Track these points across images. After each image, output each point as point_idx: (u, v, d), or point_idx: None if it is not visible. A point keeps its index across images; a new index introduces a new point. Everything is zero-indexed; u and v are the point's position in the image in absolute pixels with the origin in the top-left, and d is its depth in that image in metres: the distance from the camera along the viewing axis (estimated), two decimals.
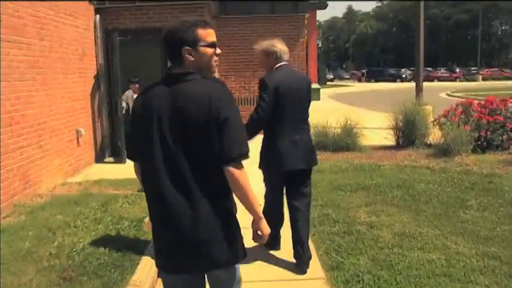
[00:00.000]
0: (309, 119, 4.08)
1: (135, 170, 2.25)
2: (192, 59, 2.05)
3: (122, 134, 8.73)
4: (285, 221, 4.20)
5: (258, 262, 4.06)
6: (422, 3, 11.77)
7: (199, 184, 2.00)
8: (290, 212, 4.02)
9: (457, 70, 56.37)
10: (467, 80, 50.31)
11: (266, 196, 4.15)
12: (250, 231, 2.26)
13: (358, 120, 9.39)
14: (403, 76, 52.29)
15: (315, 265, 3.99)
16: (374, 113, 15.30)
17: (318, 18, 24.46)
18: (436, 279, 3.63)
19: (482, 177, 6.70)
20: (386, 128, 9.74)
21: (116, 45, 8.55)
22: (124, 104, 8.99)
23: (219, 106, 1.96)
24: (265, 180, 4.11)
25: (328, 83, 42.66)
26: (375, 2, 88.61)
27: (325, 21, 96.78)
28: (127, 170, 7.58)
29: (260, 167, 3.99)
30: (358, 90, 36.19)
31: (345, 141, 9.03)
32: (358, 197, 5.93)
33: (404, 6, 66.48)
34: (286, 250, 4.17)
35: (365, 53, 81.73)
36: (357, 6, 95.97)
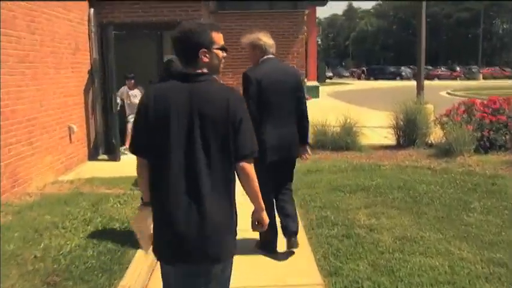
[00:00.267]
0: (307, 113, 4.12)
1: (139, 165, 2.25)
2: (207, 60, 2.20)
3: (117, 131, 8.55)
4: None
5: (253, 266, 3.88)
6: (424, 2, 11.59)
7: (209, 179, 2.12)
8: (276, 204, 4.10)
9: (458, 69, 56.22)
10: (468, 79, 50.18)
11: None
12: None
13: (358, 119, 9.22)
14: (403, 74, 52.16)
15: (312, 270, 3.84)
16: (374, 111, 15.13)
17: (317, 15, 24.30)
18: (440, 287, 3.46)
19: (485, 178, 6.53)
20: (387, 127, 9.55)
21: (111, 39, 8.34)
22: (119, 100, 8.80)
23: (236, 110, 2.15)
24: None
25: (327, 80, 42.45)
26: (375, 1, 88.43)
27: (325, 19, 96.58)
28: (121, 167, 7.46)
29: None
30: (358, 88, 36.01)
31: (345, 140, 8.85)
32: (358, 198, 5.75)
33: (405, 4, 66.23)
34: (281, 254, 4.03)
35: (365, 51, 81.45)
36: (357, 3, 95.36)
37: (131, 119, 8.67)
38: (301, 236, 4.48)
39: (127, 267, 3.83)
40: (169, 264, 2.24)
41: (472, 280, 3.56)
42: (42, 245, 4.24)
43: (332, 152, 8.66)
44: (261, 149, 3.72)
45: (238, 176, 2.24)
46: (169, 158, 2.11)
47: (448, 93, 28.12)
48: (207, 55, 2.19)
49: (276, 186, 4.08)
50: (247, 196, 2.30)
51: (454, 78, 50.96)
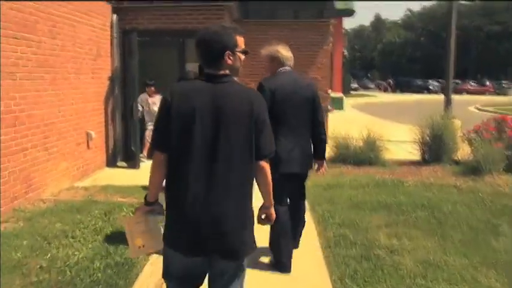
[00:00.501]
0: (324, 125, 4.05)
1: (156, 162, 2.27)
2: (230, 62, 2.28)
3: (137, 138, 8.46)
4: None
5: (266, 285, 3.69)
6: (454, 12, 11.25)
7: (230, 177, 2.19)
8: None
9: (487, 83, 54.93)
10: (498, 94, 48.97)
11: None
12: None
13: (382, 133, 8.92)
14: (431, 88, 51.21)
15: None
16: (399, 125, 14.77)
17: (344, 26, 24.05)
18: None
19: None
20: (412, 141, 9.23)
21: (135, 45, 8.27)
22: (140, 107, 8.72)
23: (259, 111, 2.25)
24: None
25: (351, 92, 41.99)
26: (403, 11, 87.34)
27: (351, 29, 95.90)
28: (138, 175, 7.36)
29: None
30: (383, 101, 35.42)
31: (367, 154, 8.57)
32: (379, 216, 5.49)
33: (435, 16, 65.20)
34: (296, 274, 3.81)
35: (391, 63, 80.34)
36: (384, 14, 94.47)
37: (150, 126, 8.58)
38: (318, 255, 4.29)
39: (133, 282, 3.68)
40: (181, 253, 2.27)
41: None
42: (49, 254, 4.13)
43: (354, 166, 8.38)
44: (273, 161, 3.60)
45: (256, 173, 2.33)
46: (191, 156, 2.17)
47: (477, 108, 27.43)
48: (231, 57, 2.27)
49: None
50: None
51: (483, 93, 49.83)
